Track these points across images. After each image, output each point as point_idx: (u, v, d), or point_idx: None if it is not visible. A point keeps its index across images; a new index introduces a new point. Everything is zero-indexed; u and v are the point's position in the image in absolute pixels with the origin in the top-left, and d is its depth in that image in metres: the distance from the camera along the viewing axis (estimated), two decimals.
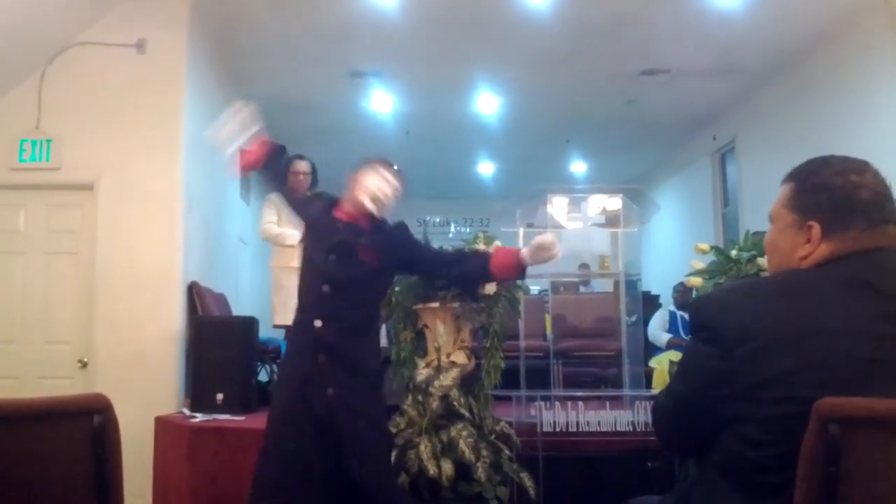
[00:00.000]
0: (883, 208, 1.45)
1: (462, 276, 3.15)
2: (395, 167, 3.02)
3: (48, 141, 5.20)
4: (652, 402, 3.69)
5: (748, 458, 1.34)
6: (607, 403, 3.82)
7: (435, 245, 3.38)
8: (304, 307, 2.96)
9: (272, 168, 3.22)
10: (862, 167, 1.49)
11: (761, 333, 1.35)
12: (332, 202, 3.07)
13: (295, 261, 4.44)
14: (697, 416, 1.46)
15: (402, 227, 3.08)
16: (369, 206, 2.93)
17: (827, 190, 1.48)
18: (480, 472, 3.12)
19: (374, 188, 2.94)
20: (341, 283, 2.88)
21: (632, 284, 5.08)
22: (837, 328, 1.33)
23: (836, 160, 1.52)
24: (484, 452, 3.19)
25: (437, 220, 12.48)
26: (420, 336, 3.60)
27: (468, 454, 3.13)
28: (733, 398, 1.36)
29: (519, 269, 3.04)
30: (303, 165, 5.17)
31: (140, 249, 5.15)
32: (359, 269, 2.91)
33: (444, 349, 3.46)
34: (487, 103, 7.91)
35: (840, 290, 1.39)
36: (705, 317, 1.45)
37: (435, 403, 3.24)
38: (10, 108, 5.24)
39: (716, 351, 1.39)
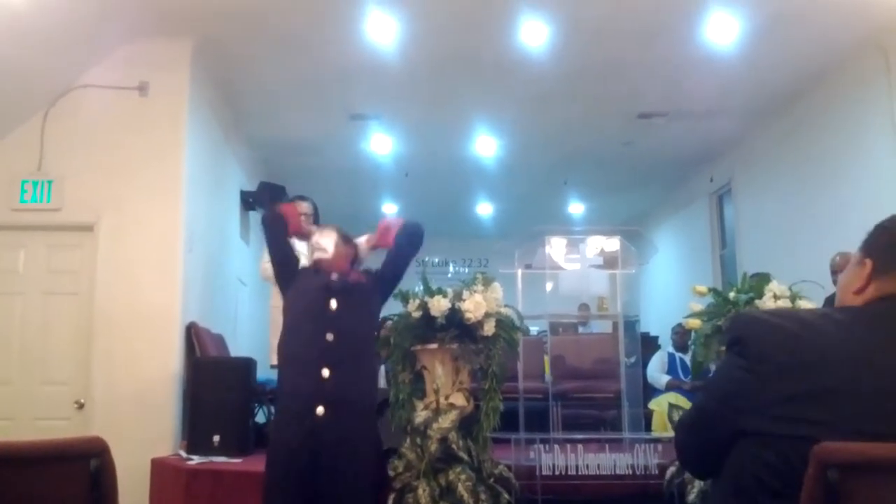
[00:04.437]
0: None
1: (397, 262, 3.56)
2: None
3: (49, 182, 5.22)
4: (653, 445, 3.70)
5: (756, 476, 1.35)
6: (607, 446, 3.81)
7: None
8: (307, 328, 3.19)
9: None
10: None
11: (786, 353, 1.37)
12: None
13: None
14: (717, 426, 1.46)
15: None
16: (323, 255, 3.39)
17: (887, 231, 1.50)
18: None
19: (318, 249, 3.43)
20: (346, 294, 3.23)
21: (630, 325, 5.09)
22: (858, 361, 1.34)
23: None
24: (482, 496, 3.17)
25: (436, 260, 12.47)
26: (418, 378, 3.59)
27: (467, 498, 3.11)
28: (752, 412, 1.37)
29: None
30: (304, 206, 5.19)
31: (140, 290, 5.14)
32: (355, 283, 3.32)
33: (443, 391, 3.45)
34: (486, 145, 7.98)
35: (871, 328, 1.40)
36: (740, 330, 1.46)
37: (433, 446, 3.23)
38: (12, 148, 5.27)
39: (745, 363, 1.41)
